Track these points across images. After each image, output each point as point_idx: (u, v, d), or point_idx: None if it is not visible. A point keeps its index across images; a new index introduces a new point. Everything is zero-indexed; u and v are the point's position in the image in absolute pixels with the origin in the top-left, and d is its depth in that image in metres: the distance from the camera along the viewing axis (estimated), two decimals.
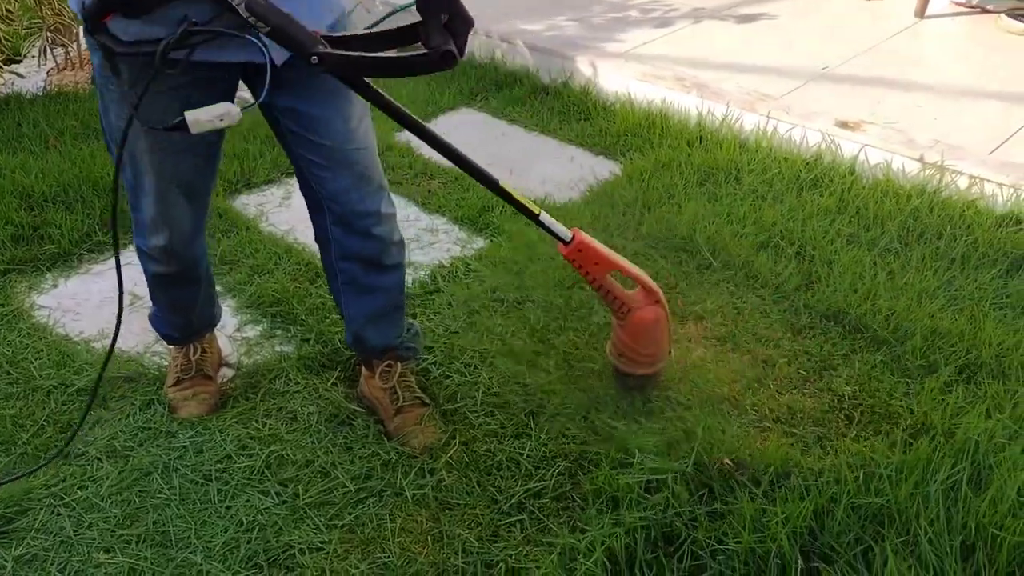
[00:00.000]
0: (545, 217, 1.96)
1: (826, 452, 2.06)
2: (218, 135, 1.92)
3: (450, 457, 2.08)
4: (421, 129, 1.75)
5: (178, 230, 1.99)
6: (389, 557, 1.85)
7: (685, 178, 3.22)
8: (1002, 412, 2.06)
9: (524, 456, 2.08)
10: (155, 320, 2.33)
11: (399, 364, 2.24)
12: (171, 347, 2.36)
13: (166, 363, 2.41)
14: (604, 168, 3.44)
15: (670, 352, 2.22)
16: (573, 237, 1.98)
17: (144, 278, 2.19)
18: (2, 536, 1.91)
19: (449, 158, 1.82)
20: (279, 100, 1.80)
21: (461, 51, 1.56)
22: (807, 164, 3.25)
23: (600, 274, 2.02)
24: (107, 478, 2.04)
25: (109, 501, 1.98)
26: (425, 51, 1.55)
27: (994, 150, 3.13)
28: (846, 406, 2.21)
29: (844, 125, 3.30)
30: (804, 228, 2.89)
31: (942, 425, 2.05)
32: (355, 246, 2.04)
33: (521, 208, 1.94)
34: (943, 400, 2.14)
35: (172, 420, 2.21)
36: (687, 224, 2.93)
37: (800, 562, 1.71)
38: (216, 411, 2.26)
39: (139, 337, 2.52)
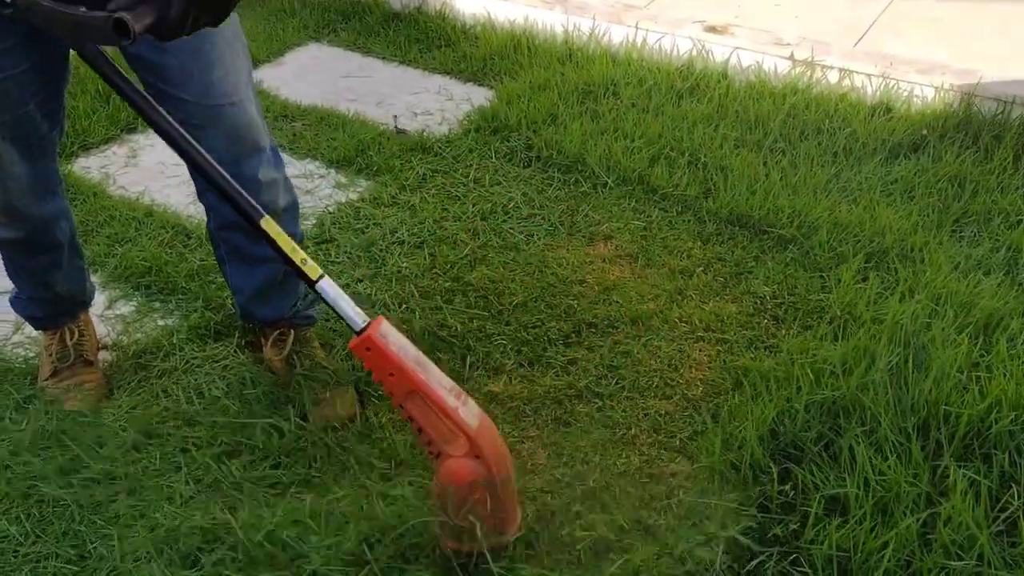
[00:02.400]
0: (327, 285, 1.48)
1: (768, 354, 2.05)
2: (55, 69, 1.64)
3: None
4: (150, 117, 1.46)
5: (15, 185, 1.71)
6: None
7: (564, 97, 3.11)
8: (918, 294, 2.12)
9: None
10: (16, 303, 2.04)
11: (292, 332, 2.04)
12: (41, 334, 2.06)
13: (33, 354, 2.11)
14: (478, 95, 3.29)
15: (504, 532, 1.53)
16: (367, 327, 1.45)
17: None
18: None
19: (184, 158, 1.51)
20: (130, 48, 1.54)
21: (164, 20, 1.15)
22: (681, 72, 3.22)
23: (398, 391, 1.44)
24: None
25: (3, 519, 1.71)
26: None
27: (858, 41, 3.21)
28: (769, 307, 2.21)
29: (712, 29, 3.29)
30: (691, 136, 2.86)
31: (867, 314, 2.09)
32: (233, 215, 1.66)
33: (292, 266, 1.49)
34: (862, 289, 2.18)
35: (57, 416, 1.93)
36: (576, 144, 2.84)
37: (772, 466, 1.70)
38: (104, 400, 2.00)
39: None
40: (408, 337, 1.49)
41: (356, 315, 1.46)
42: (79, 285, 2.06)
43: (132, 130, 3.09)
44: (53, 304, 2.02)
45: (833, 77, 3.05)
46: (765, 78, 3.13)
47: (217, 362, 2.08)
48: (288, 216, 1.84)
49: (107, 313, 2.30)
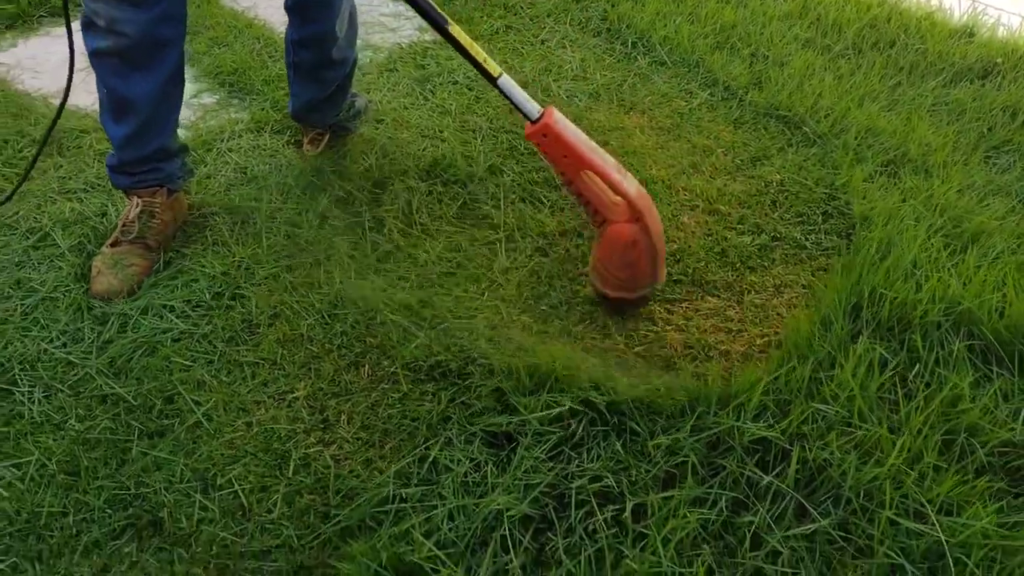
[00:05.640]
0: (507, 82, 1.62)
1: (751, 231, 2.17)
2: None
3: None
4: None
5: None
6: None
7: None
8: (911, 200, 2.17)
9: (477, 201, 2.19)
10: (109, 159, 1.99)
11: (328, 134, 2.35)
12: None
13: None
14: None
15: (654, 281, 1.82)
16: (541, 116, 1.62)
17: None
18: None
19: None
20: None
21: None
22: None
23: (570, 170, 1.65)
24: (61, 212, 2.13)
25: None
26: None
27: None
28: (772, 191, 2.31)
29: None
30: (763, 31, 2.90)
31: (859, 209, 2.17)
32: (305, 32, 2.08)
33: (475, 64, 1.61)
34: (864, 187, 2.25)
35: None
36: (647, 22, 2.94)
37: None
38: (133, 294, 1.90)
39: (95, 96, 2.54)
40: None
41: (532, 107, 1.62)
42: (167, 141, 1.99)
43: None
44: (130, 147, 1.93)
45: None
46: None
47: (265, 150, 2.38)
48: (347, 42, 2.16)
49: (192, 101, 2.63)
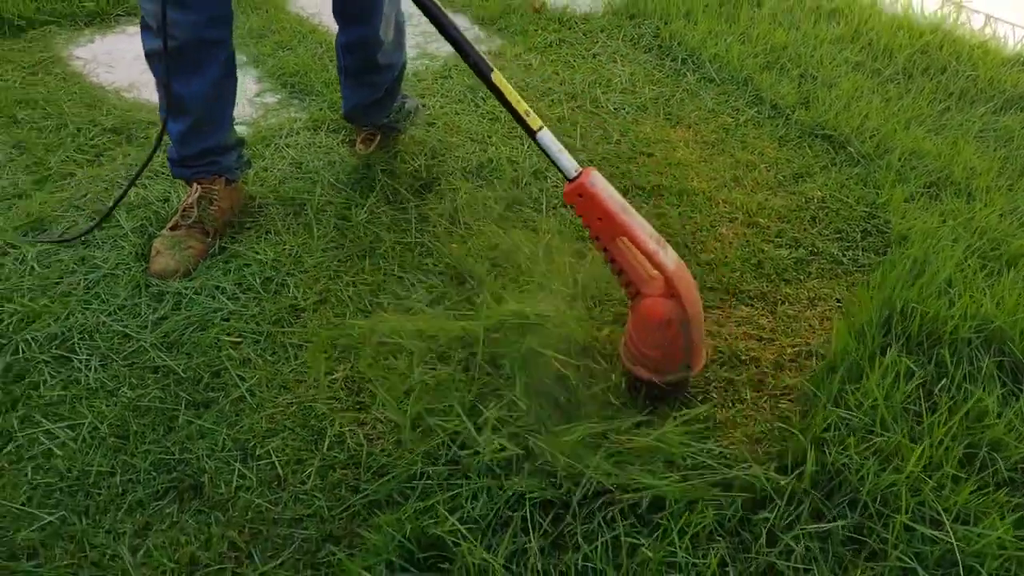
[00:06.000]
0: (547, 136, 1.56)
1: (788, 244, 2.20)
2: None
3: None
4: None
5: None
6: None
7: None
8: (950, 221, 2.18)
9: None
10: (170, 154, 2.12)
11: (379, 136, 2.44)
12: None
13: None
14: None
15: (689, 366, 1.64)
16: (579, 175, 1.55)
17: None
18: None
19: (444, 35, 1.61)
20: None
21: None
22: None
23: (605, 235, 1.56)
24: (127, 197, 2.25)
25: None
26: None
27: None
28: (813, 207, 2.33)
29: None
30: (813, 53, 2.94)
31: (897, 227, 2.18)
32: (351, 37, 2.18)
33: (515, 115, 1.56)
34: (905, 207, 2.26)
35: None
36: (698, 40, 2.99)
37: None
38: (188, 275, 2.01)
39: None
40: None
41: (570, 165, 1.56)
42: (223, 135, 2.09)
43: None
44: (187, 143, 2.05)
45: (978, 22, 2.99)
46: (912, 13, 3.11)
47: (320, 147, 2.48)
48: (393, 48, 2.26)
49: (256, 99, 2.75)
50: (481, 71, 1.56)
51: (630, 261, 1.57)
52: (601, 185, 1.54)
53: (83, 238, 2.08)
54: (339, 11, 2.15)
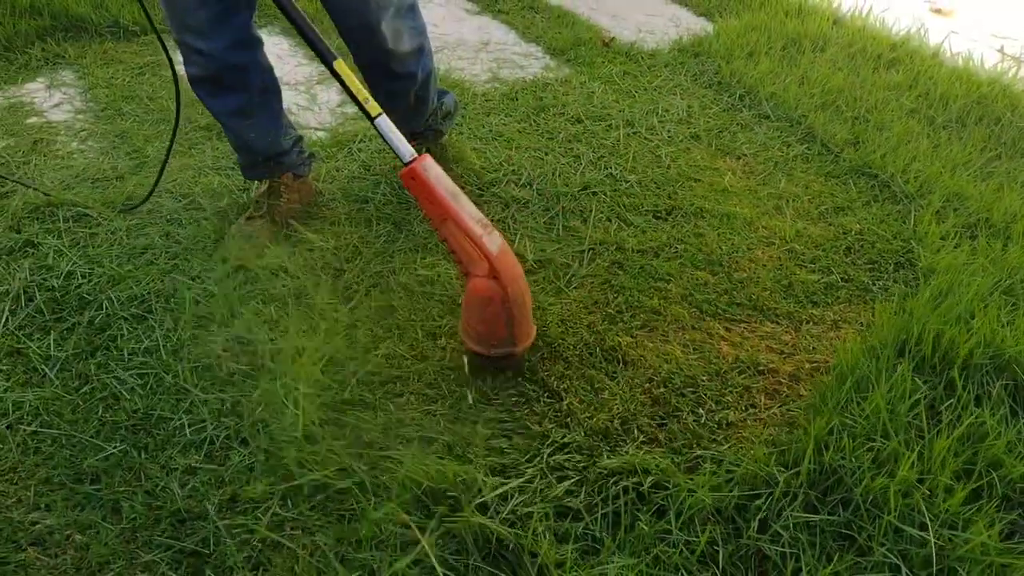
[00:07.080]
0: (384, 122, 1.71)
1: (820, 270, 2.28)
2: None
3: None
4: None
5: (195, 24, 1.93)
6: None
7: (771, 42, 3.37)
8: (980, 258, 2.23)
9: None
10: (239, 160, 2.32)
11: (416, 142, 2.46)
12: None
13: None
14: (698, 25, 3.62)
15: (513, 344, 1.80)
16: (413, 160, 1.69)
17: None
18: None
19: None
20: None
21: None
22: (893, 45, 3.34)
23: (435, 217, 1.70)
24: (211, 184, 2.48)
25: None
26: None
27: None
28: (849, 239, 2.41)
29: (938, 12, 3.36)
30: (869, 97, 3.03)
31: (927, 261, 2.25)
32: (359, 58, 2.13)
33: (355, 100, 1.72)
34: (939, 243, 2.33)
35: None
36: (757, 78, 3.11)
37: None
38: (250, 261, 2.18)
39: None
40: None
41: (406, 150, 1.71)
42: (274, 139, 2.23)
43: None
44: (246, 152, 2.24)
45: None
46: (971, 66, 3.17)
47: (388, 152, 2.68)
48: (411, 58, 2.16)
49: (337, 110, 2.98)
50: (325, 58, 1.73)
51: (460, 243, 1.70)
52: (433, 171, 1.67)
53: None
54: (340, 34, 2.10)
